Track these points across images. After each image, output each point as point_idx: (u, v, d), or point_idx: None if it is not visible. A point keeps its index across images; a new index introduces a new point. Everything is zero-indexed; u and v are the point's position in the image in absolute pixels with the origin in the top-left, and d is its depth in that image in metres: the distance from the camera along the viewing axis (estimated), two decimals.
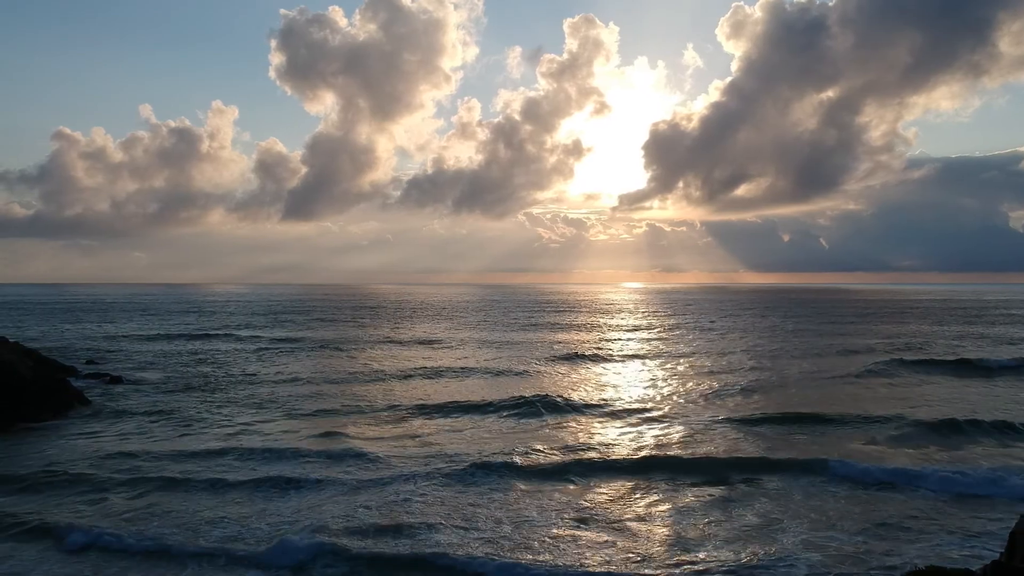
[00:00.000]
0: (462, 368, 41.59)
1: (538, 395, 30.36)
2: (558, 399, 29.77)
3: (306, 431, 24.82)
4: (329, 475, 19.35)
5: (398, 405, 29.39)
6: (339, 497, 17.63)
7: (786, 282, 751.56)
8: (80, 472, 19.81)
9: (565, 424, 26.09)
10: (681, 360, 45.40)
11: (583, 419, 26.97)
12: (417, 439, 23.84)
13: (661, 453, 21.06)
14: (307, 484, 18.59)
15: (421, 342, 57.64)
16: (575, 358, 47.12)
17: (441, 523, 15.65)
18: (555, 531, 15.26)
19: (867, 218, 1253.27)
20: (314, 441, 23.14)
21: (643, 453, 21.20)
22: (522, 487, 18.38)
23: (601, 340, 61.33)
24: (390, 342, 58.25)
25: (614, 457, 20.89)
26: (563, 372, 40.89)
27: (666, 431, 24.35)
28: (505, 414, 27.65)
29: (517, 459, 20.48)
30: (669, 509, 16.60)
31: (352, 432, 24.59)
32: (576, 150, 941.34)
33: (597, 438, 23.65)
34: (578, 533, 15.13)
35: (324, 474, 19.48)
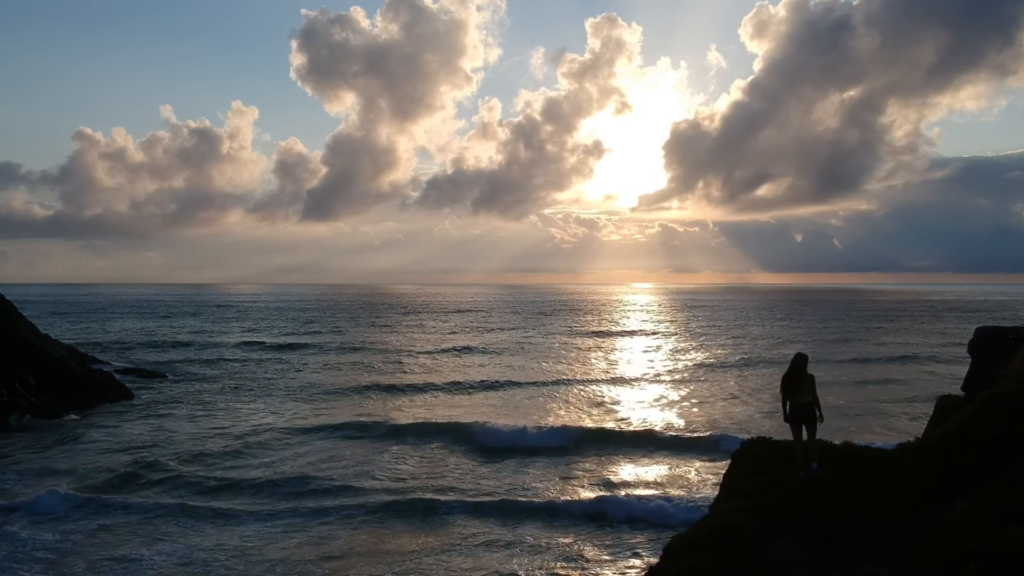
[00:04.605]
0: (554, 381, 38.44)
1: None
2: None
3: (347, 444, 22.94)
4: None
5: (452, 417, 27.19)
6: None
7: (800, 282, 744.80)
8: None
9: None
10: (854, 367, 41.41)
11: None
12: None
13: None
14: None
15: (457, 349, 54.01)
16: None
17: None
18: None
19: (880, 218, 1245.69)
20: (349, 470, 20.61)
21: None
22: None
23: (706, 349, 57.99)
24: (428, 349, 54.81)
25: None
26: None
27: None
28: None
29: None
30: None
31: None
32: (596, 150, 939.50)
33: None
34: None
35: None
